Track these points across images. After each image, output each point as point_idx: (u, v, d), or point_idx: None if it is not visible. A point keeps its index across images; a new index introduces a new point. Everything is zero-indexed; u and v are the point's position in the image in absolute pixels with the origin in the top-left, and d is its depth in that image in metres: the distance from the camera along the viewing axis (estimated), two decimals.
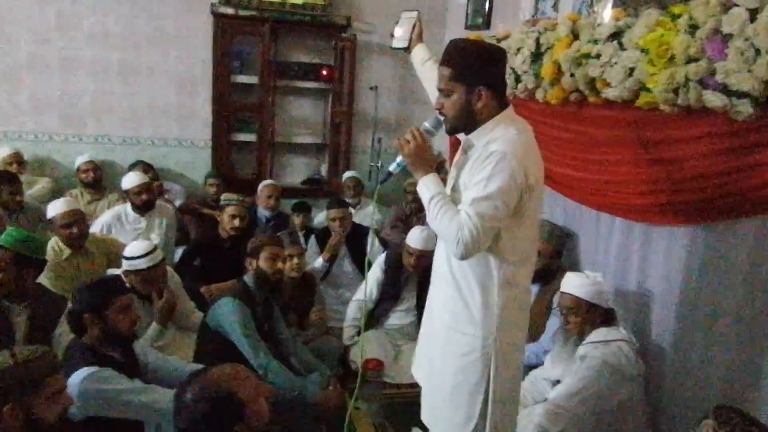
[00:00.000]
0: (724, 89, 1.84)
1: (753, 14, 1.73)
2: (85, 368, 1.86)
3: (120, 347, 2.04)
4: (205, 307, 2.82)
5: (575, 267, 3.00)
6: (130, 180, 3.54)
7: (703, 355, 2.17)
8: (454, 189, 1.77)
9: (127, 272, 2.56)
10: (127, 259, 2.58)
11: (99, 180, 4.24)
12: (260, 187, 4.10)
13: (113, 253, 3.01)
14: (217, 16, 4.43)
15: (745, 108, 1.81)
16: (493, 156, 1.60)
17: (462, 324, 1.76)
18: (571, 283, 2.27)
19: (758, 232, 1.94)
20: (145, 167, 4.25)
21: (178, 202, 4.30)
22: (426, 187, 1.71)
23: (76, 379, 1.83)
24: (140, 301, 2.60)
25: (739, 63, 1.76)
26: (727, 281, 2.06)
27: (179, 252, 3.67)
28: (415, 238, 3.10)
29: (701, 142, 2.05)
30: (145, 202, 3.51)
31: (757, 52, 1.70)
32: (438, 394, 1.86)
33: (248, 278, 2.55)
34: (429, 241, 2.97)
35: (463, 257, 1.63)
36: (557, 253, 2.89)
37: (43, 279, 2.61)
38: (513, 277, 1.73)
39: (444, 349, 1.82)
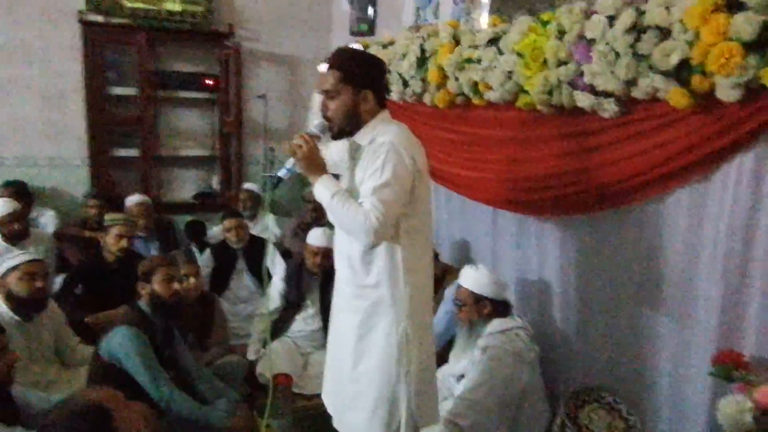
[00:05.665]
0: (592, 90, 2.01)
1: (611, 21, 1.90)
2: None
3: None
4: (92, 338, 2.62)
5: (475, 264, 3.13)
6: None
7: (603, 337, 2.32)
8: (349, 190, 1.81)
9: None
10: None
11: None
12: (127, 206, 3.87)
13: None
14: (86, 25, 4.12)
15: (610, 106, 1.98)
16: (383, 147, 1.70)
17: (374, 318, 1.81)
18: (463, 276, 2.38)
19: (638, 219, 2.11)
20: (16, 191, 3.84)
21: (49, 230, 3.94)
22: (324, 187, 1.75)
23: None
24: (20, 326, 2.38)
25: (602, 65, 1.92)
26: (617, 266, 2.22)
27: (59, 281, 3.37)
28: (316, 237, 3.15)
29: (573, 139, 2.22)
30: (16, 231, 3.20)
31: (617, 55, 1.87)
32: (359, 400, 1.86)
33: (143, 304, 2.40)
34: (331, 238, 2.99)
35: (374, 245, 1.72)
36: None
37: None
38: (416, 262, 1.82)
39: (357, 350, 1.85)
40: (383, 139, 1.72)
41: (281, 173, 1.81)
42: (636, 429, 1.87)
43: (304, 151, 1.75)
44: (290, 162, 1.80)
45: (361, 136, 1.80)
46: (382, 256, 1.77)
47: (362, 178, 1.74)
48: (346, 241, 1.83)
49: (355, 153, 1.84)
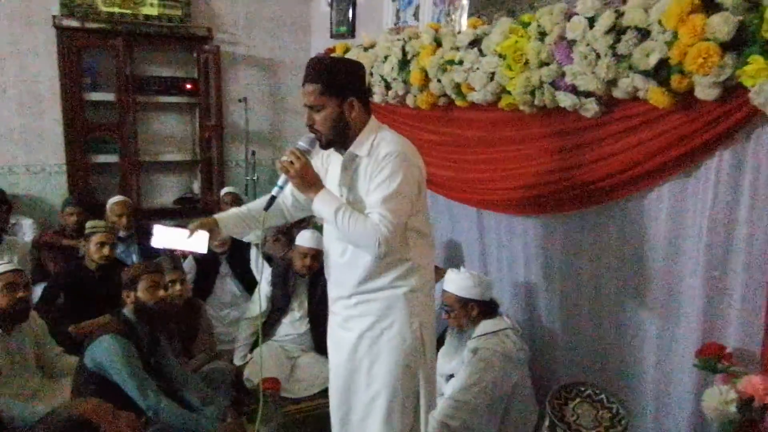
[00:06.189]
0: (573, 90, 2.04)
1: (591, 22, 1.94)
2: None
3: None
4: (75, 348, 2.58)
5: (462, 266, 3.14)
6: None
7: (589, 333, 2.35)
8: (350, 203, 1.78)
9: None
10: None
11: None
12: (108, 206, 3.82)
13: None
14: (61, 30, 4.05)
15: (591, 106, 2.02)
16: (388, 157, 1.69)
17: (387, 319, 1.82)
18: (447, 280, 2.39)
19: (621, 216, 2.15)
20: None
21: (28, 238, 3.87)
22: (324, 202, 1.72)
23: None
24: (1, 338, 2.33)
25: (583, 66, 1.95)
26: (601, 262, 2.25)
27: (39, 291, 3.30)
28: (306, 239, 3.13)
29: (556, 139, 2.25)
30: None
31: (597, 55, 1.91)
32: (375, 402, 1.86)
33: (127, 311, 2.37)
34: (320, 239, 2.98)
35: (385, 255, 1.70)
36: None
37: None
38: (424, 259, 1.84)
39: (370, 353, 1.85)
40: (388, 150, 1.70)
41: (274, 192, 1.77)
42: (621, 415, 1.90)
43: (297, 168, 1.69)
44: (282, 179, 1.76)
45: (358, 147, 1.75)
46: (394, 256, 1.77)
47: (369, 189, 1.72)
48: (351, 251, 1.80)
49: (350, 164, 1.79)
